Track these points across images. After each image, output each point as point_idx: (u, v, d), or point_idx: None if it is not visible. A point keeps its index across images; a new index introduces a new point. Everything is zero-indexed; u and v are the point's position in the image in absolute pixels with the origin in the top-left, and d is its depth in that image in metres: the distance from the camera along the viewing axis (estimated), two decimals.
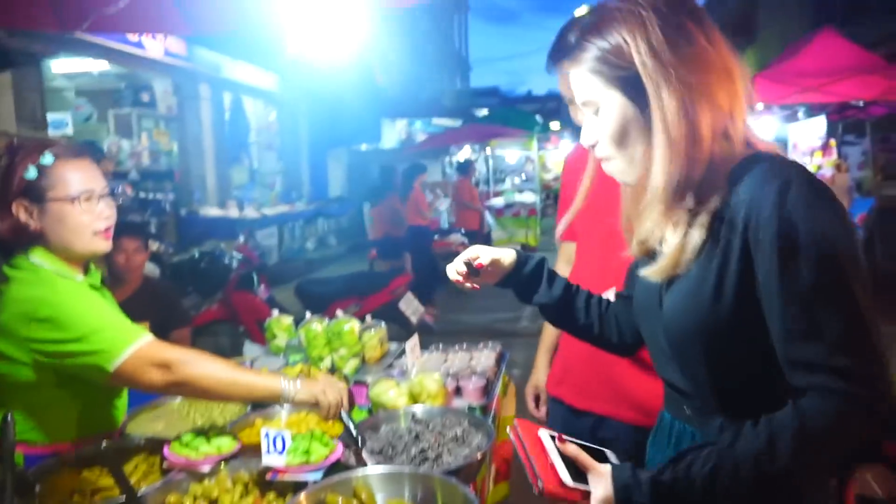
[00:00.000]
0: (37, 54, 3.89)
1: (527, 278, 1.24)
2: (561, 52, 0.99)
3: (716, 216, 0.92)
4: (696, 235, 0.93)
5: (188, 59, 8.92)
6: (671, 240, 0.96)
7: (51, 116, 8.20)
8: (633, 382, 1.62)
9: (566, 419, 1.77)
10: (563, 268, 1.93)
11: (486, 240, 9.62)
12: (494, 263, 1.22)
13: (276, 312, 2.28)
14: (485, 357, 2.11)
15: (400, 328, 4.64)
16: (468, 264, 1.21)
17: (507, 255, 1.24)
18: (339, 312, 2.16)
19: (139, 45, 7.87)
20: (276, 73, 11.40)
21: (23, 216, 1.41)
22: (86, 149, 1.56)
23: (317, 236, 11.82)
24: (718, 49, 0.92)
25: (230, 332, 5.07)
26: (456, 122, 17.56)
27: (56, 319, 1.34)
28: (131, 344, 1.36)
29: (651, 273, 0.99)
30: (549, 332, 1.96)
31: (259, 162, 12.56)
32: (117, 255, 2.94)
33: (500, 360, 2.17)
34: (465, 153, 16.69)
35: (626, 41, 0.90)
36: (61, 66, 8.71)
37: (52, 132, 7.93)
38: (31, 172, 1.39)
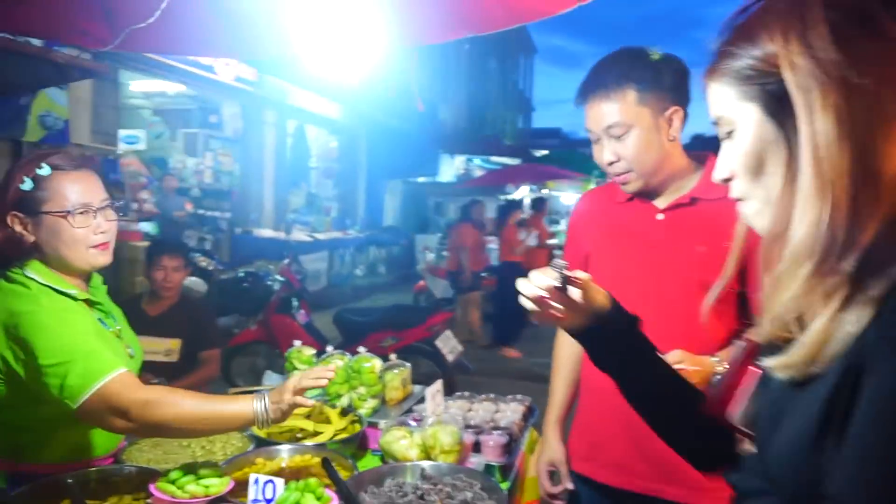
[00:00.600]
0: (107, 72, 4.07)
1: (621, 332, 0.91)
2: (707, 65, 0.75)
3: (888, 300, 0.60)
4: (854, 320, 0.61)
5: (257, 85, 9.23)
6: (816, 320, 0.64)
7: (125, 132, 8.62)
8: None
9: (599, 501, 1.58)
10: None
11: None
12: (589, 290, 0.89)
13: (297, 343, 2.20)
14: (511, 410, 1.96)
15: (435, 366, 4.51)
16: (565, 277, 0.85)
17: (602, 291, 0.91)
18: (360, 349, 2.06)
19: (210, 69, 8.19)
20: (339, 103, 11.68)
21: (18, 228, 1.38)
22: (88, 161, 1.52)
23: (367, 264, 11.88)
24: None
25: (268, 353, 5.07)
26: (514, 160, 17.54)
27: (30, 343, 1.28)
28: (92, 385, 1.25)
29: (777, 365, 0.68)
30: (559, 398, 1.73)
31: (317, 187, 12.82)
32: (156, 272, 2.96)
33: (528, 414, 2.02)
34: (521, 192, 16.62)
35: (776, 41, 0.66)
36: (140, 86, 9.18)
37: (124, 147, 8.32)
38: (27, 184, 1.36)
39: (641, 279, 1.45)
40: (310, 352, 2.18)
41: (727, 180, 0.76)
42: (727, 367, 1.07)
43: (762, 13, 0.69)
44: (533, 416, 2.07)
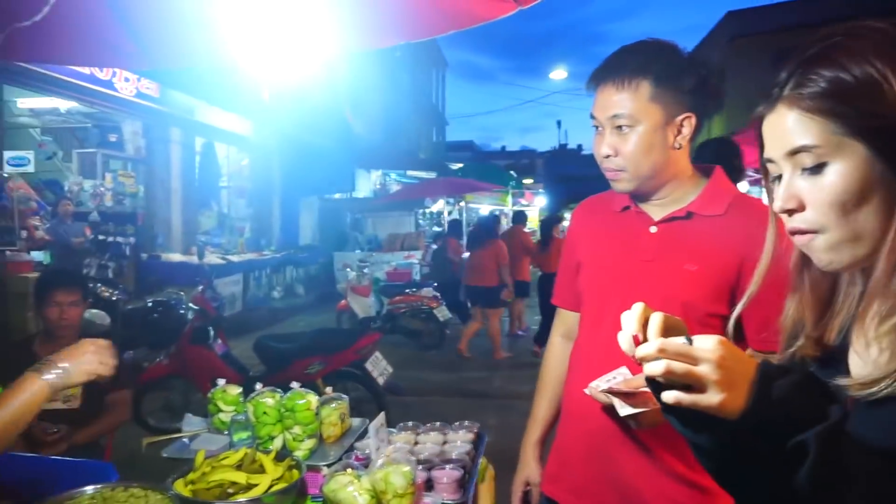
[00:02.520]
0: None
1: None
2: (766, 92, 0.75)
3: None
4: None
5: (160, 101, 8.74)
6: (893, 346, 0.68)
7: (12, 153, 7.92)
8: (643, 481, 1.37)
9: None
10: (559, 342, 1.68)
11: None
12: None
13: (221, 382, 1.99)
14: (461, 440, 1.85)
15: (366, 390, 4.34)
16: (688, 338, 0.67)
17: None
18: (294, 384, 1.88)
19: (109, 84, 7.67)
20: (250, 120, 11.28)
21: None
22: None
23: (284, 285, 11.47)
24: None
25: (183, 388, 4.71)
26: (430, 174, 17.58)
27: None
28: None
29: (855, 385, 0.70)
30: (540, 417, 1.67)
31: (229, 207, 12.29)
32: (50, 309, 2.63)
33: (477, 442, 1.91)
34: (439, 206, 16.66)
35: (884, 77, 0.65)
36: (27, 103, 8.48)
37: (11, 169, 7.62)
38: None
39: (625, 293, 1.36)
40: (236, 391, 1.97)
41: (791, 211, 0.73)
42: None
43: (851, 46, 0.68)
44: (482, 443, 1.96)
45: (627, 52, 1.36)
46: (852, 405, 0.72)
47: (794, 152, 0.71)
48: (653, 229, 1.42)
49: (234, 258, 9.64)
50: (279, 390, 1.90)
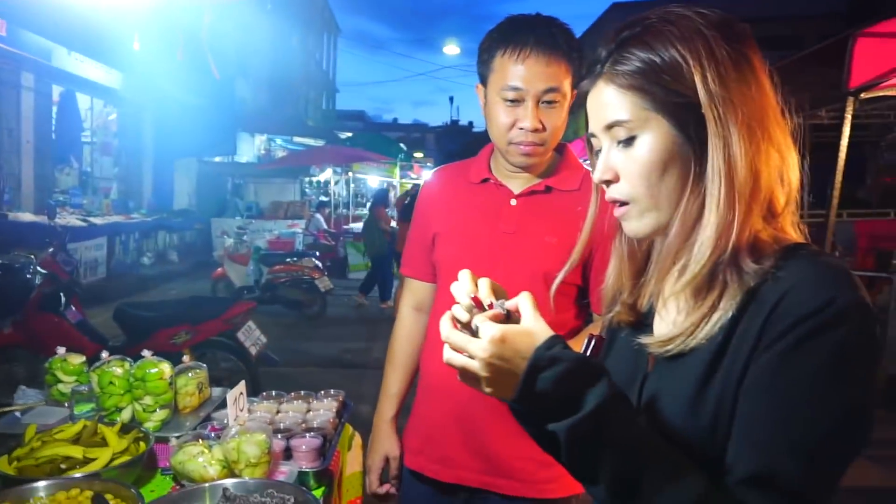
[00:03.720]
0: None
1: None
2: (588, 67, 0.80)
3: (753, 293, 0.70)
4: (728, 306, 0.71)
5: (8, 41, 7.77)
6: (700, 306, 0.73)
7: None
8: (509, 447, 1.41)
9: (430, 497, 1.52)
10: (409, 314, 1.66)
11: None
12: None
13: (61, 350, 1.82)
14: (324, 408, 1.81)
15: (238, 360, 4.17)
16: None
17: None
18: (145, 352, 1.76)
19: None
20: (119, 71, 10.34)
21: None
22: None
23: (155, 251, 10.75)
24: (774, 92, 0.75)
25: (29, 360, 4.29)
26: (318, 142, 17.10)
27: None
28: None
29: (654, 343, 0.76)
30: (394, 392, 1.65)
31: (92, 165, 11.30)
32: None
33: (341, 410, 1.89)
34: (326, 174, 16.28)
35: (684, 60, 0.71)
36: None
37: None
38: None
39: (488, 264, 1.38)
40: (78, 360, 1.81)
41: (607, 182, 0.78)
42: None
43: (659, 29, 0.73)
44: (347, 411, 1.94)
45: (545, 25, 1.35)
46: (653, 363, 0.80)
47: (610, 126, 0.76)
48: (513, 202, 1.45)
49: (97, 220, 8.89)
50: (129, 359, 1.77)
